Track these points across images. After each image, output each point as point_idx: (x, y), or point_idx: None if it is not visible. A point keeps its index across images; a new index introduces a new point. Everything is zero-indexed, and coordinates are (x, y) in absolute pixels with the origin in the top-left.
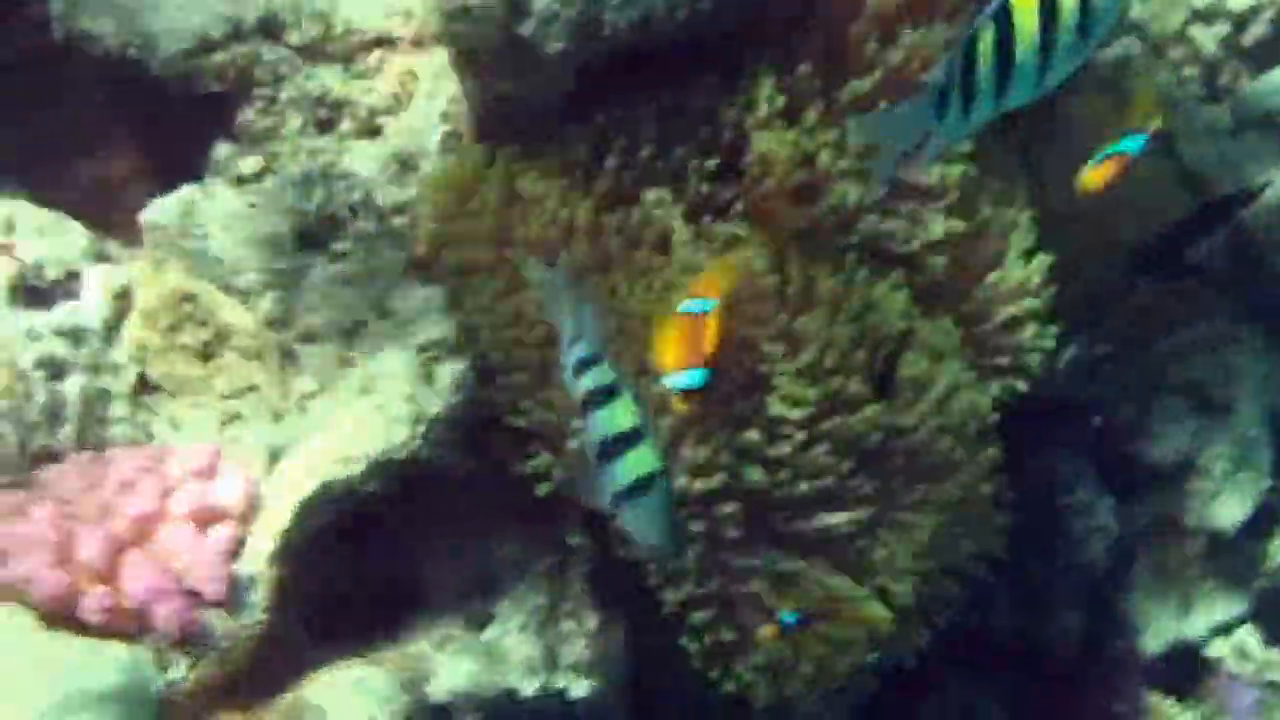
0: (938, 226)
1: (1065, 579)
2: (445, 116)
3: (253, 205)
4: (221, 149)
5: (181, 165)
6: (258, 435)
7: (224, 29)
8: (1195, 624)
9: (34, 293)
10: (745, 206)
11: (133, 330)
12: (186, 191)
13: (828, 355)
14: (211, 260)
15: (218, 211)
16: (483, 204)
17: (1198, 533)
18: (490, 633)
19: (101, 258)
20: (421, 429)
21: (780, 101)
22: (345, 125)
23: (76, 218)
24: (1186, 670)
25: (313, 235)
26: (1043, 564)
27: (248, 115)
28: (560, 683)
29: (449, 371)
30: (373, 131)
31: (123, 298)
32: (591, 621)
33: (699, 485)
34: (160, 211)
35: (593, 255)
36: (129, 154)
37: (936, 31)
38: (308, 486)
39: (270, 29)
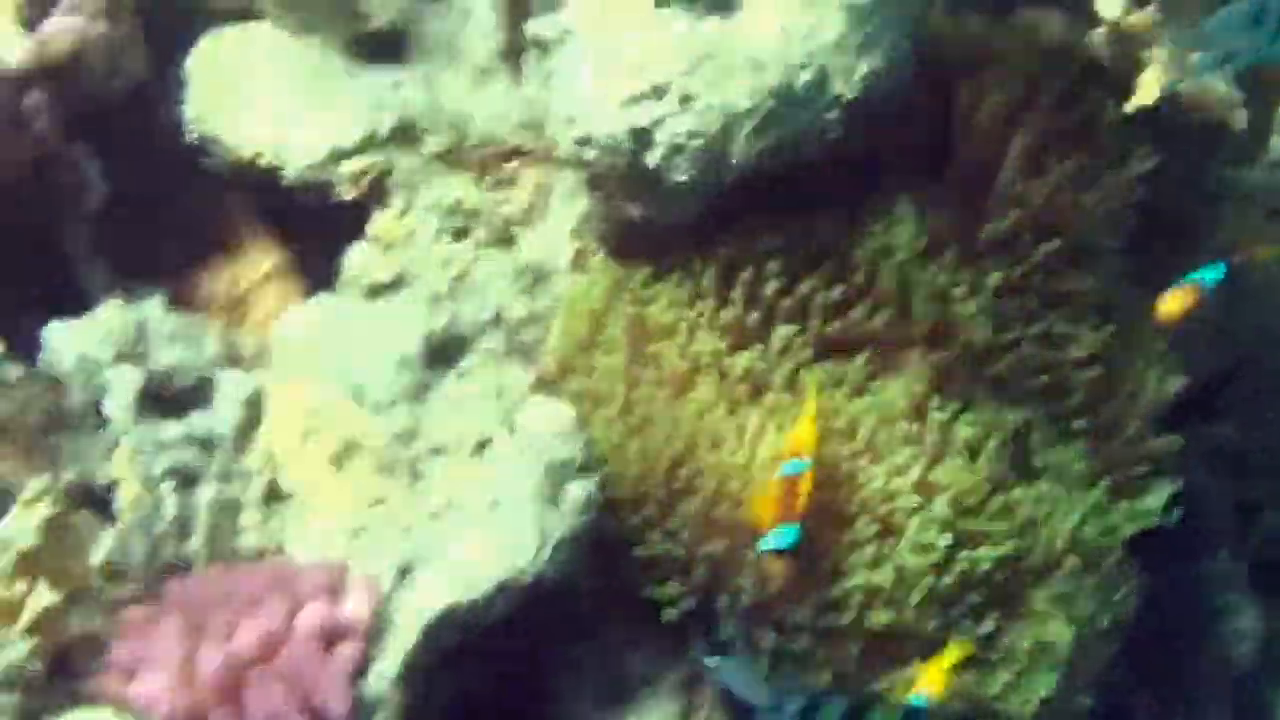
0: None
1: (1208, 679)
2: (576, 233)
3: (384, 321)
4: (356, 254)
5: (319, 267)
6: (387, 549)
7: (358, 137)
8: None
9: (165, 400)
10: (876, 347)
11: (264, 438)
12: (318, 303)
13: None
14: (340, 374)
15: (347, 327)
16: (611, 336)
17: None
18: None
19: (234, 363)
20: (547, 552)
21: (922, 244)
22: (480, 234)
23: (214, 315)
24: None
25: (441, 352)
26: (1188, 664)
27: (381, 223)
28: None
29: (575, 492)
30: (506, 241)
31: (254, 405)
32: None
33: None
34: (290, 326)
35: (720, 393)
36: (268, 255)
37: (1078, 167)
38: (434, 608)
39: (406, 136)
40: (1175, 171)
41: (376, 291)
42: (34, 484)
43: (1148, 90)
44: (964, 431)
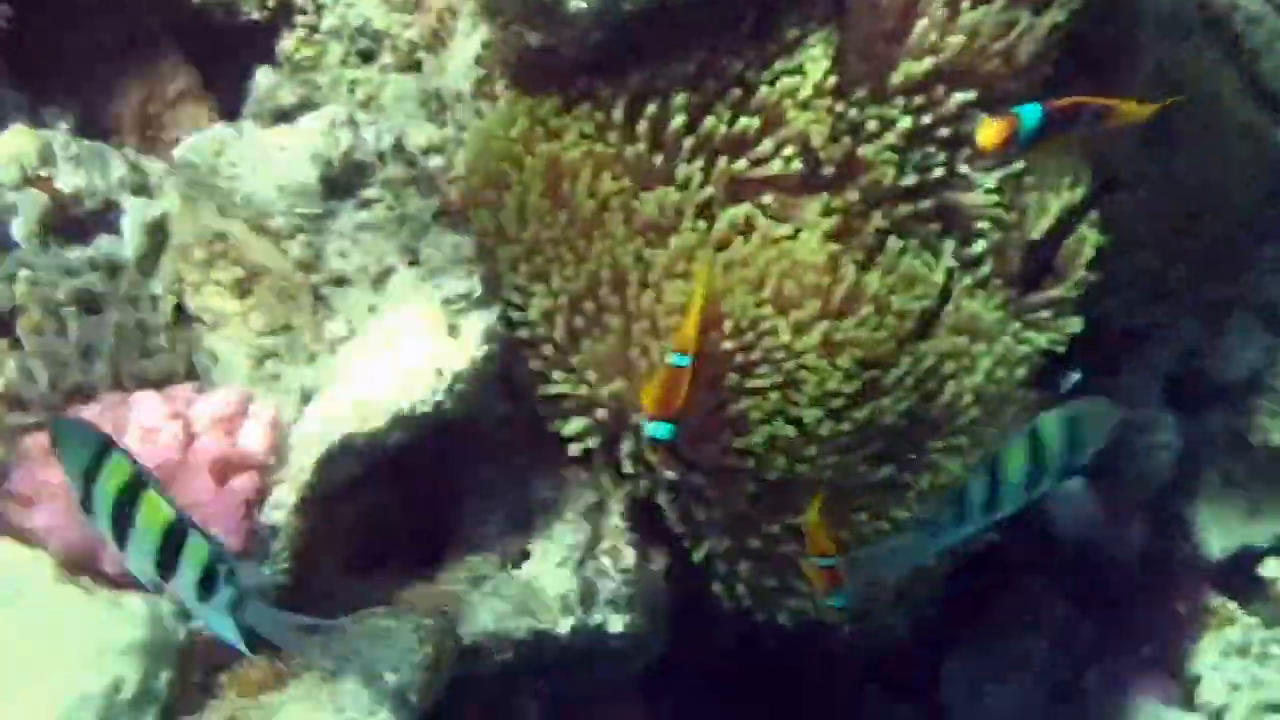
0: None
1: (1127, 492)
2: (480, 60)
3: (282, 149)
4: (264, 77)
5: (230, 87)
6: (292, 374)
7: None
8: (1258, 533)
9: (71, 224)
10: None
11: (169, 263)
12: (218, 130)
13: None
14: (241, 201)
15: (248, 153)
16: (515, 171)
17: (1264, 448)
18: (526, 570)
19: (141, 188)
20: (444, 383)
21: (831, 81)
22: (387, 58)
23: (125, 136)
24: (1249, 575)
25: (340, 182)
26: (1105, 478)
27: (288, 43)
28: (597, 618)
29: (475, 325)
30: (412, 66)
31: (160, 230)
32: (629, 557)
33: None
34: (192, 150)
35: (627, 232)
36: (179, 75)
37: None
38: (331, 438)
39: None
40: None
41: (283, 116)
42: None
43: None
44: (872, 285)
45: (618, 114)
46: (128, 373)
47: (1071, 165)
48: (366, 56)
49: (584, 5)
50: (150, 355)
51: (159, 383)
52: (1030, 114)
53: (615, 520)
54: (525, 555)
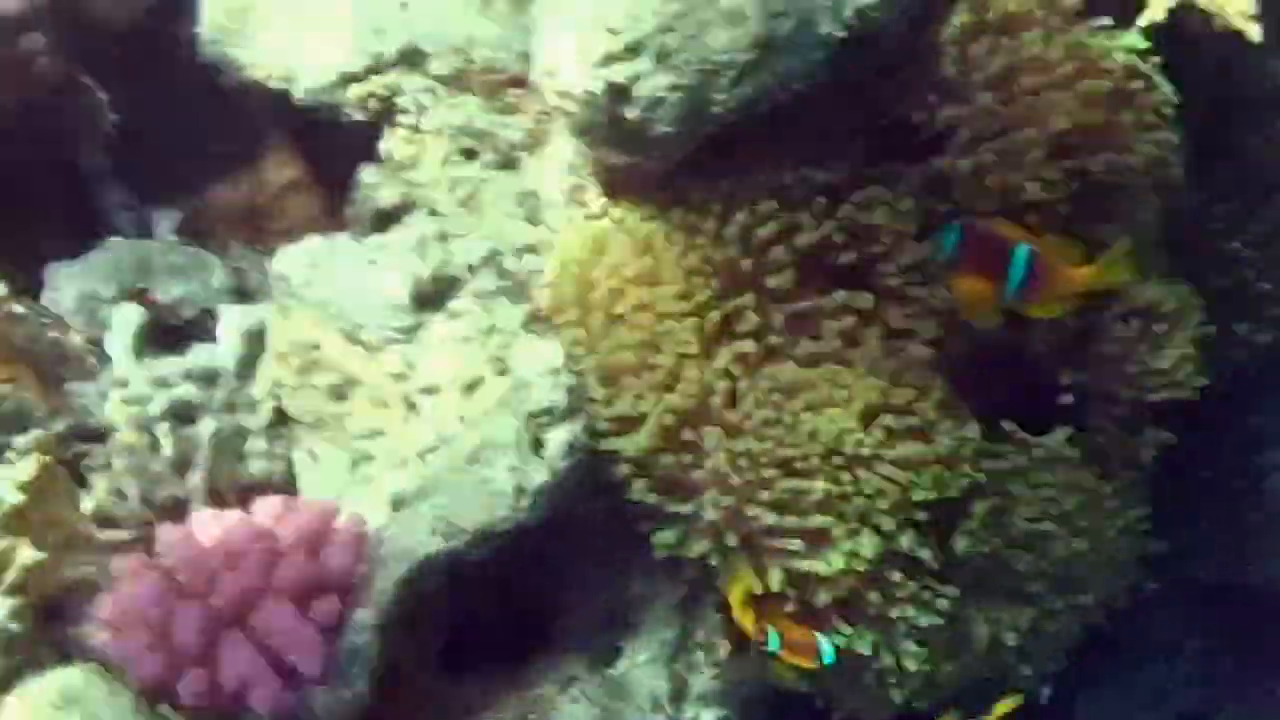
0: None
1: (1263, 532)
2: (573, 167)
3: (373, 264)
4: (367, 175)
5: (338, 181)
6: (386, 479)
7: (365, 60)
8: None
9: (170, 333)
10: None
11: (267, 368)
12: (312, 243)
13: None
14: (335, 313)
15: (341, 267)
16: (606, 279)
17: None
18: (618, 668)
19: (240, 294)
20: (526, 501)
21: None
22: (487, 156)
23: (234, 227)
24: None
25: (430, 296)
26: (1240, 519)
27: (391, 142)
28: (689, 714)
29: (559, 438)
30: (510, 165)
31: (257, 338)
32: (722, 650)
33: None
34: (288, 262)
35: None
36: (287, 166)
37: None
38: (415, 556)
39: (412, 59)
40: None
41: (383, 216)
42: (21, 439)
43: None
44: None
45: (709, 224)
46: (225, 480)
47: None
48: (469, 154)
49: (669, 129)
50: (247, 460)
51: (256, 487)
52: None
53: (709, 613)
54: (618, 652)
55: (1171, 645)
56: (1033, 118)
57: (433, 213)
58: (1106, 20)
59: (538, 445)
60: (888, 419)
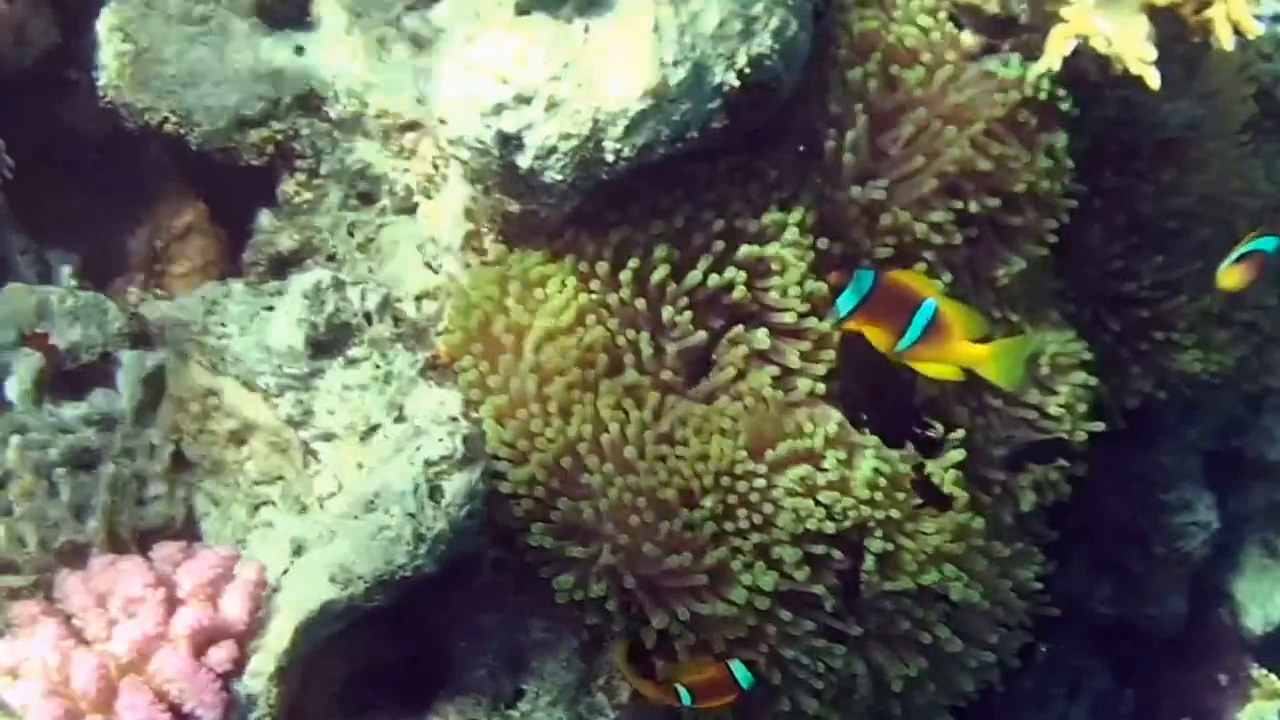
0: None
1: (1162, 570)
2: (469, 213)
3: (270, 310)
4: (265, 220)
5: (236, 222)
6: (285, 524)
7: (262, 105)
8: None
9: (68, 378)
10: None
11: (167, 413)
12: (208, 289)
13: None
14: (231, 360)
15: (237, 314)
16: (501, 326)
17: None
18: (518, 710)
19: (139, 338)
20: (424, 548)
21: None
22: (384, 201)
23: (133, 271)
24: None
25: (326, 343)
26: (1140, 557)
27: (289, 186)
28: None
29: (457, 485)
30: (410, 210)
31: (156, 382)
32: (624, 692)
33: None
34: (183, 309)
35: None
36: (186, 210)
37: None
38: (311, 605)
39: (308, 104)
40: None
41: (282, 262)
42: None
43: (1057, 47)
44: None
45: (602, 267)
46: (124, 524)
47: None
48: (366, 199)
49: (560, 176)
50: (147, 504)
51: (156, 531)
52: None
53: (610, 655)
54: (519, 694)
55: (1072, 682)
56: (923, 156)
57: (331, 258)
58: (1007, 60)
59: (435, 493)
60: (780, 450)
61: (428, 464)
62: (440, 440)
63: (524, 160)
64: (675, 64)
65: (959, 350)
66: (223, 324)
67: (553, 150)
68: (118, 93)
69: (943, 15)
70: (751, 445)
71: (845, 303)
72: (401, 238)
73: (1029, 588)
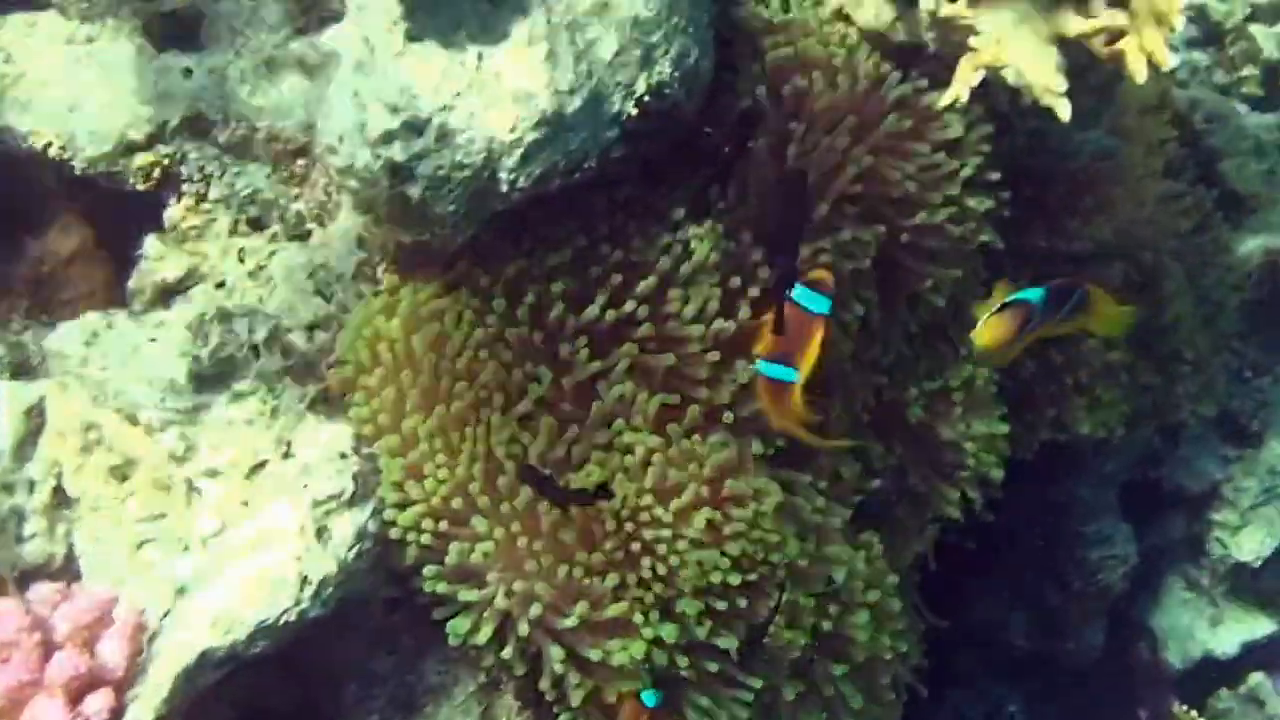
0: None
1: (1079, 603)
2: (361, 241)
3: (153, 342)
4: (150, 246)
5: (124, 246)
6: (167, 565)
7: (148, 129)
8: (1220, 640)
9: None
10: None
11: (47, 447)
12: (89, 320)
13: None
14: (113, 393)
15: (118, 345)
16: (393, 359)
17: (1222, 560)
18: None
19: (20, 368)
20: (309, 591)
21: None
22: (275, 227)
23: (17, 298)
24: (1210, 683)
25: (210, 376)
26: (1057, 589)
27: (176, 211)
28: None
29: (345, 525)
30: (302, 236)
31: (37, 414)
32: None
33: None
34: (64, 340)
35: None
36: (72, 235)
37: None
38: (190, 653)
39: (196, 127)
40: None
41: (167, 290)
42: None
43: (965, 77)
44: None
45: (498, 301)
46: (2, 561)
47: None
48: (256, 225)
49: (453, 207)
50: (24, 541)
51: (34, 570)
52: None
53: (508, 699)
54: None
55: (989, 713)
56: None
57: (219, 285)
58: (918, 86)
59: (322, 533)
60: (685, 496)
61: (315, 503)
62: (329, 478)
63: (415, 191)
64: (571, 92)
65: (785, 408)
66: (104, 355)
67: (445, 181)
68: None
69: (853, 40)
70: (656, 486)
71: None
72: (294, 265)
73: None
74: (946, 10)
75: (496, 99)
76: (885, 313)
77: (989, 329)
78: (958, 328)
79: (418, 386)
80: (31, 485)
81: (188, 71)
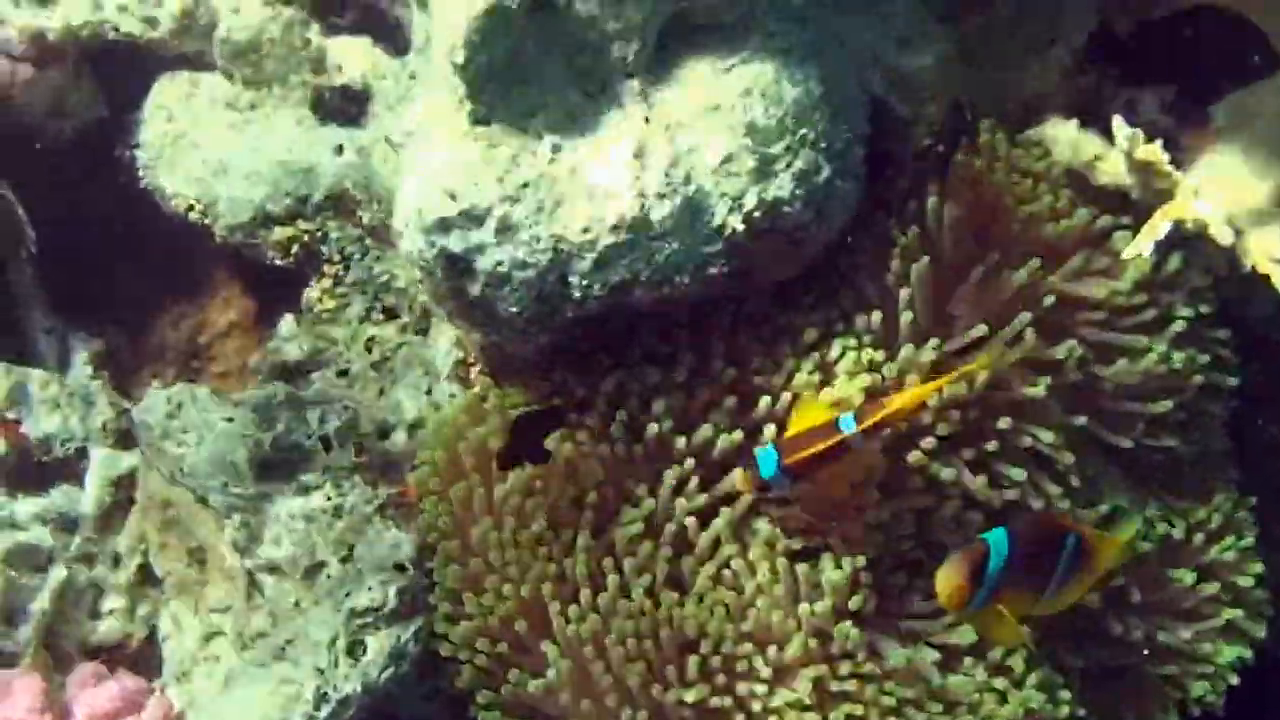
0: None
1: None
2: (459, 340)
3: (229, 421)
4: (285, 326)
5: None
6: (226, 659)
7: (288, 202)
8: None
9: (38, 470)
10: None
11: (136, 521)
12: (175, 391)
13: None
14: (187, 471)
15: (195, 420)
16: (472, 471)
17: None
18: None
19: (124, 436)
20: (326, 711)
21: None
22: (406, 317)
23: (169, 364)
24: None
25: (273, 465)
26: None
27: (314, 292)
28: None
29: (381, 643)
30: (425, 330)
31: (126, 484)
32: None
33: None
34: (148, 410)
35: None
36: (232, 306)
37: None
38: None
39: (340, 205)
40: None
41: (287, 371)
42: None
43: (1153, 229)
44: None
45: (594, 415)
46: (69, 636)
47: None
48: (390, 313)
49: (515, 309)
50: (102, 618)
51: (109, 649)
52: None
53: None
54: None
55: None
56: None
57: (342, 373)
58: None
59: (355, 648)
60: (792, 646)
61: (353, 614)
62: (370, 589)
63: (474, 287)
64: (660, 197)
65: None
66: (184, 429)
67: (506, 279)
68: (151, 174)
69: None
70: (757, 632)
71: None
72: (415, 359)
73: None
74: (1144, 152)
75: (569, 195)
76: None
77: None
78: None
79: (493, 492)
80: (116, 559)
81: (340, 148)
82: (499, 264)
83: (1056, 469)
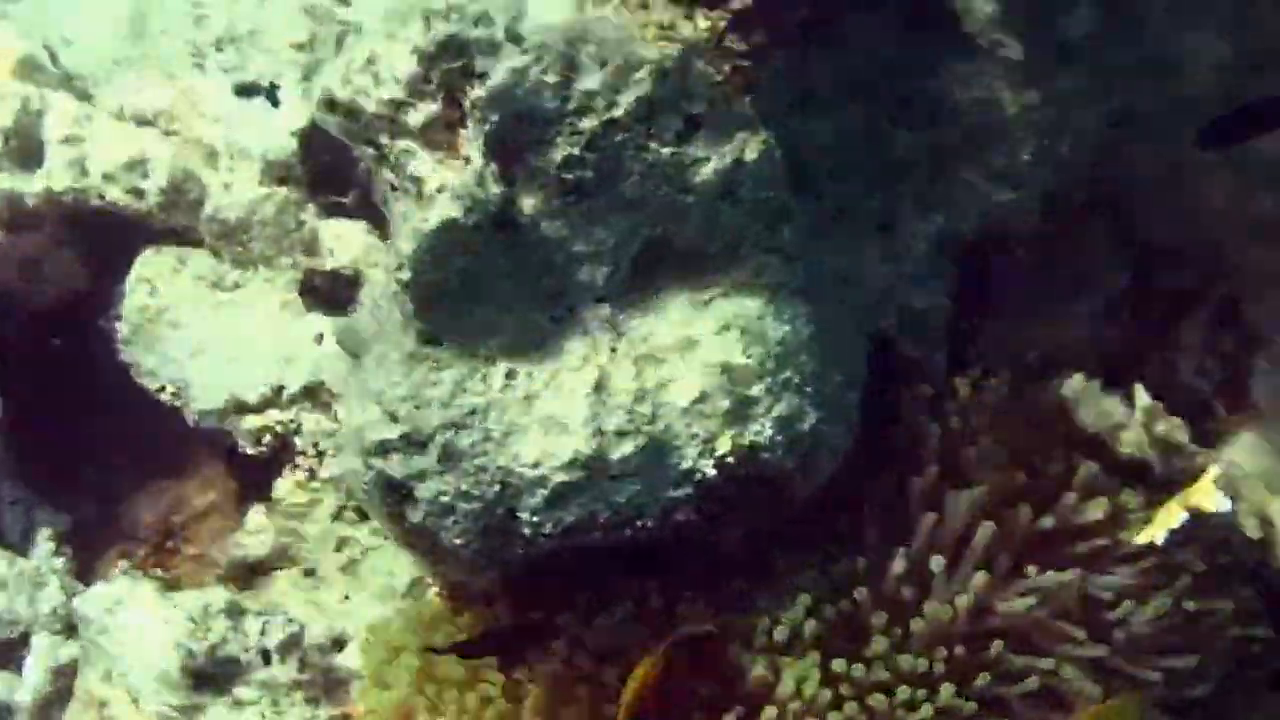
0: None
1: None
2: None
3: (165, 623)
4: (253, 518)
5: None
6: None
7: (262, 391)
8: None
9: None
10: None
11: (73, 716)
12: (118, 585)
13: None
14: (121, 672)
15: (133, 620)
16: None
17: None
18: None
19: (69, 625)
20: None
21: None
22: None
23: (140, 543)
24: None
25: (208, 676)
26: None
27: (285, 484)
28: None
29: None
30: None
31: (68, 675)
32: None
33: None
34: (89, 603)
35: None
36: (211, 487)
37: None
38: None
39: (316, 397)
40: None
41: (249, 569)
42: None
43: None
44: None
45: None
46: None
47: None
48: (362, 513)
49: (460, 541)
50: None
51: None
52: None
53: None
54: None
55: None
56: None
57: (309, 573)
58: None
59: None
60: None
61: None
62: None
63: (415, 515)
64: (620, 434)
65: None
66: (122, 628)
67: (449, 509)
68: (129, 350)
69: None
70: None
71: None
72: (380, 568)
73: None
74: (1164, 428)
75: (521, 425)
76: None
77: None
78: None
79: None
80: None
81: (320, 337)
82: (441, 493)
83: None
